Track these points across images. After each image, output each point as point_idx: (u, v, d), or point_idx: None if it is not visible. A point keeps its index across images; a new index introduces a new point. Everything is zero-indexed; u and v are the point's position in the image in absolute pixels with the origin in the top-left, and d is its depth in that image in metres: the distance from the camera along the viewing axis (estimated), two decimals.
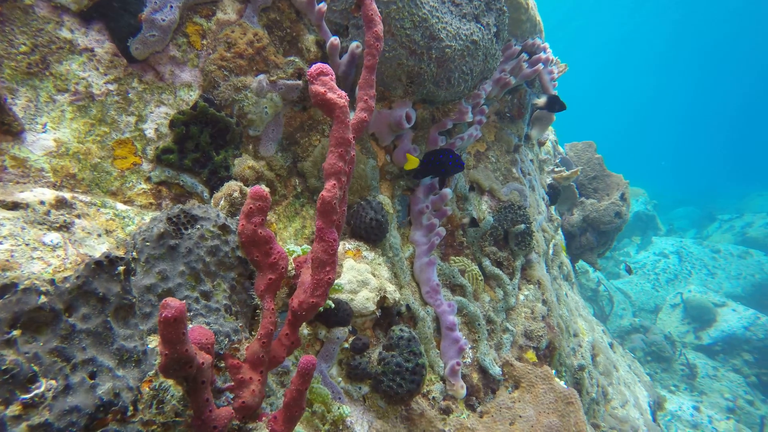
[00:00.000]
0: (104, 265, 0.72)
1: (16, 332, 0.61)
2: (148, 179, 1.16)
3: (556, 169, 2.96)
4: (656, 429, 3.31)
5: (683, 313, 9.65)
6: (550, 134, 4.37)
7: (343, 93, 0.93)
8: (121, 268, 0.74)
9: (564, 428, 1.22)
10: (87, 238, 0.90)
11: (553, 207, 4.03)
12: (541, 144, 2.83)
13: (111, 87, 1.15)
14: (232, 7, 1.27)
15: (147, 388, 0.71)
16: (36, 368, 0.61)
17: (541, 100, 2.30)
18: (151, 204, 1.14)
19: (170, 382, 0.72)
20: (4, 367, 0.58)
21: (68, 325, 0.67)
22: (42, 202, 0.89)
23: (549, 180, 2.84)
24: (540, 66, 2.16)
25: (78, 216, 0.93)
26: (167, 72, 1.21)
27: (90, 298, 0.70)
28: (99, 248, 0.91)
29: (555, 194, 2.77)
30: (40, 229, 0.84)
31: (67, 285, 0.68)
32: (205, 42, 1.24)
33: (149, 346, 0.76)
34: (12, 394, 0.58)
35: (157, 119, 1.19)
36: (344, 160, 0.92)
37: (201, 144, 1.19)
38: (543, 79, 2.23)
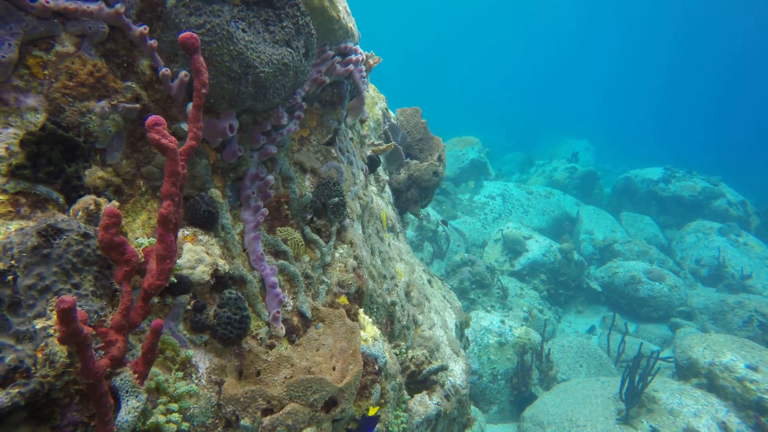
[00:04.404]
0: None
1: None
2: (4, 191, 1.41)
3: (375, 143, 3.56)
4: (456, 342, 4.31)
5: (502, 246, 11.50)
6: (381, 102, 4.97)
7: (173, 138, 1.32)
8: (10, 277, 1.07)
9: (348, 348, 1.83)
10: None
11: (381, 168, 4.69)
12: (362, 121, 3.37)
13: None
14: (69, 41, 1.51)
15: (40, 355, 1.08)
16: None
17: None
18: (9, 212, 1.40)
19: (57, 348, 1.10)
20: None
21: None
22: None
23: (368, 152, 3.43)
24: (351, 67, 2.65)
25: None
26: (11, 98, 1.43)
27: None
28: None
29: (373, 163, 3.38)
30: None
31: None
32: (46, 72, 1.47)
33: (36, 326, 1.11)
34: None
35: (6, 139, 1.42)
36: (176, 186, 1.32)
37: (53, 159, 1.46)
38: (355, 77, 2.72)
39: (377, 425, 2.17)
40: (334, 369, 1.81)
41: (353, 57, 2.65)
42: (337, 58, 2.56)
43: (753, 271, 10.83)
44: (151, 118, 1.28)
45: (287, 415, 1.53)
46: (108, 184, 1.56)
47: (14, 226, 1.33)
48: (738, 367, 6.57)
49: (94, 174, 1.53)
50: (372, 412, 2.11)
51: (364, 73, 2.77)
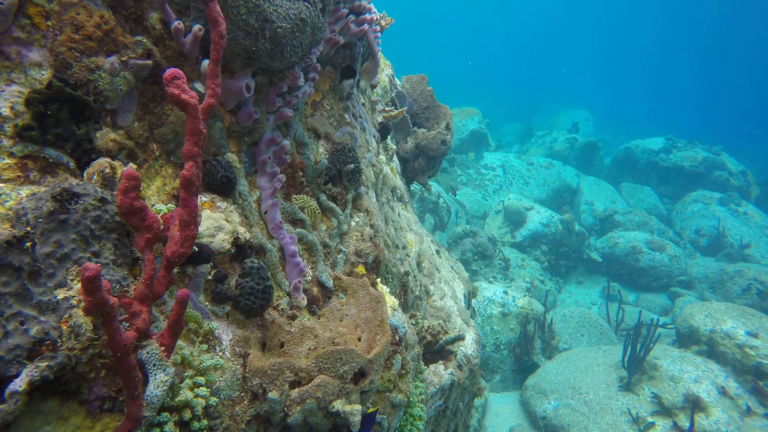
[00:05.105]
0: (13, 243, 0.96)
1: None
2: (11, 154, 1.30)
3: (386, 109, 3.43)
4: (465, 312, 4.28)
5: (503, 217, 11.46)
6: (387, 69, 4.81)
7: (194, 93, 1.21)
8: (28, 243, 0.98)
9: (374, 318, 1.76)
10: None
11: (389, 137, 4.57)
12: (373, 87, 3.24)
13: None
14: None
15: (65, 327, 1.00)
16: None
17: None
18: (18, 177, 1.30)
19: (82, 320, 1.02)
20: None
21: None
22: None
23: (380, 119, 3.31)
24: (365, 26, 2.51)
25: None
26: (13, 52, 1.31)
27: (7, 269, 0.94)
28: None
29: (385, 130, 3.26)
30: None
31: None
32: (50, 23, 1.35)
33: (58, 297, 1.03)
34: None
35: (9, 97, 1.31)
36: (198, 145, 1.22)
37: (61, 120, 1.36)
38: (369, 37, 2.58)
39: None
40: (359, 340, 1.75)
41: (367, 16, 2.51)
42: (351, 17, 2.42)
43: (752, 240, 10.86)
44: (170, 71, 1.17)
45: (317, 387, 1.47)
46: (121, 148, 1.46)
47: (25, 191, 1.23)
48: (738, 334, 6.63)
49: (106, 136, 1.42)
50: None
51: (379, 34, 2.63)
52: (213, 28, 1.35)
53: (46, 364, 0.91)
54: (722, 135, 22.72)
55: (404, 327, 2.31)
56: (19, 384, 0.86)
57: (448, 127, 4.91)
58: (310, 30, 1.88)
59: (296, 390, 1.49)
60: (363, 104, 2.96)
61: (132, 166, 1.32)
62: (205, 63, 1.64)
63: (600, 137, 19.37)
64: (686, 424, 5.48)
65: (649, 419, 5.66)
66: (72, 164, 1.40)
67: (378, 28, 2.63)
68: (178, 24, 1.52)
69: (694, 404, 5.61)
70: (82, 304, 0.97)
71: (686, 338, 7.15)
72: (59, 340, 0.97)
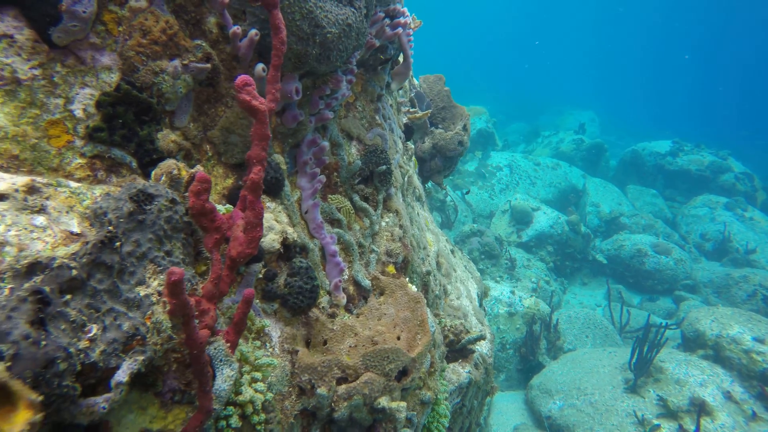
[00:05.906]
0: (106, 243, 1.01)
1: (68, 296, 0.91)
2: (82, 154, 1.35)
3: (411, 110, 3.48)
4: (480, 312, 4.34)
5: (510, 217, 11.49)
6: None
7: (263, 99, 1.26)
8: (117, 243, 1.03)
9: (413, 318, 1.82)
10: (60, 216, 1.14)
11: (410, 142, 4.61)
12: (399, 88, 3.28)
13: (36, 72, 1.29)
14: None
15: (148, 322, 1.05)
16: (84, 318, 0.92)
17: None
18: (88, 176, 1.36)
19: (163, 317, 1.07)
20: (71, 319, 0.88)
21: (92, 288, 0.97)
22: (17, 190, 1.09)
23: (405, 120, 3.35)
24: (399, 30, 2.55)
25: (47, 198, 1.14)
26: (88, 57, 1.36)
27: (101, 267, 1.00)
28: (71, 223, 1.15)
29: (409, 132, 3.31)
30: (27, 215, 1.06)
31: (84, 260, 0.97)
32: (121, 29, 1.39)
33: (140, 294, 1.08)
34: (76, 334, 0.89)
35: (83, 100, 1.36)
36: (265, 150, 1.27)
37: (127, 121, 1.40)
38: (402, 40, 2.63)
39: None
40: (398, 339, 1.81)
41: (401, 19, 2.55)
42: (387, 21, 2.46)
43: (758, 246, 10.90)
44: (241, 78, 1.22)
45: (364, 384, 1.53)
46: (180, 148, 1.51)
47: (98, 190, 1.28)
48: (745, 339, 6.68)
49: (167, 137, 1.47)
50: None
51: (411, 37, 2.67)
52: (275, 34, 1.39)
53: (141, 357, 0.96)
54: (728, 139, 22.72)
55: (432, 326, 2.36)
56: (122, 376, 0.91)
57: (465, 128, 4.95)
58: (354, 35, 1.93)
59: (343, 386, 1.55)
60: (391, 105, 3.01)
61: (199, 168, 1.37)
62: (258, 67, 1.69)
63: (605, 138, 19.35)
64: (692, 428, 5.54)
65: (655, 421, 5.72)
66: (134, 164, 1.45)
67: (411, 31, 2.68)
68: (236, 29, 1.57)
69: (700, 408, 5.67)
70: (167, 306, 1.03)
71: (692, 342, 7.21)
72: (147, 335, 1.02)
